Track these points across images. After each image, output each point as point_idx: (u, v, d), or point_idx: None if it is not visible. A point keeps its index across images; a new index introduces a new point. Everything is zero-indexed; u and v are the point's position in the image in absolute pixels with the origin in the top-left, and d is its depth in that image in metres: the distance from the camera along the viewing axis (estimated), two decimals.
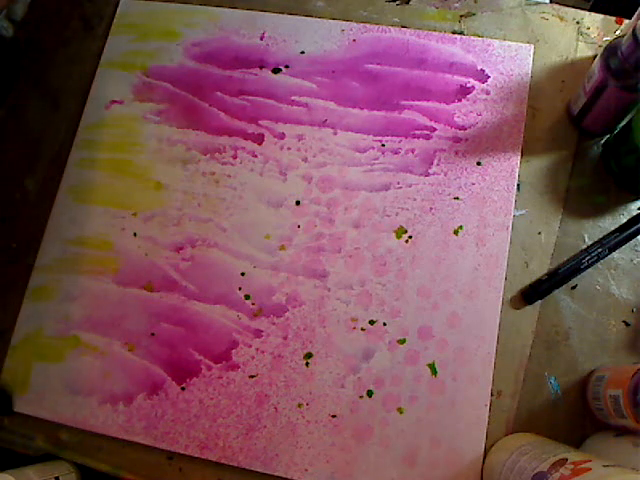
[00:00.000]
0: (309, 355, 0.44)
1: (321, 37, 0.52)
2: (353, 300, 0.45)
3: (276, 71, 0.52)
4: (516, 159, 0.47)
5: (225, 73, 0.52)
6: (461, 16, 0.52)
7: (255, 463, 0.43)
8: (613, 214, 0.45)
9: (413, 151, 0.48)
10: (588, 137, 0.47)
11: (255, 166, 0.49)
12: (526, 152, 0.47)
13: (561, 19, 0.50)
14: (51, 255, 0.49)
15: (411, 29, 0.51)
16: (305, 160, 0.49)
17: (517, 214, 0.46)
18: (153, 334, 0.46)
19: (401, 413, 0.43)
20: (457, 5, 0.52)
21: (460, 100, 0.49)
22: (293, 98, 0.51)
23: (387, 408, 0.43)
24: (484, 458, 0.41)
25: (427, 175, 0.48)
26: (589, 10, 0.51)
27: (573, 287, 0.44)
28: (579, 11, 0.51)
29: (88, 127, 0.52)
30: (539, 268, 0.45)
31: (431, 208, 0.47)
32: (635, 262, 0.44)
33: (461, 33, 0.51)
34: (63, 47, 0.56)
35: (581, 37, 0.50)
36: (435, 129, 0.49)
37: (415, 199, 0.47)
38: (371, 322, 0.45)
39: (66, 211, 0.50)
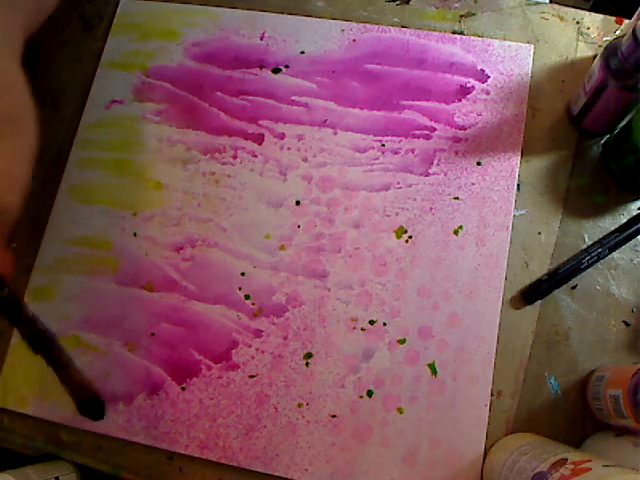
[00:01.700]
0: (309, 355, 0.44)
1: (321, 37, 0.52)
2: (353, 300, 0.45)
3: (276, 71, 0.52)
4: (516, 159, 0.47)
5: (225, 73, 0.52)
6: (461, 16, 0.52)
7: (255, 463, 0.43)
8: (613, 214, 0.45)
9: (413, 151, 0.48)
10: (588, 137, 0.47)
11: (255, 166, 0.49)
12: (526, 152, 0.47)
13: (561, 19, 0.50)
14: (51, 255, 0.49)
15: (411, 29, 0.51)
16: (305, 160, 0.49)
17: (517, 214, 0.46)
18: (153, 334, 0.46)
19: (401, 413, 0.43)
20: (457, 5, 0.52)
21: (460, 100, 0.49)
22: (293, 98, 0.51)
23: (387, 408, 0.43)
24: (484, 458, 0.41)
25: (427, 175, 0.48)
26: (589, 10, 0.51)
27: (573, 287, 0.44)
28: (579, 11, 0.51)
29: (88, 127, 0.52)
30: (539, 268, 0.45)
31: (431, 208, 0.47)
32: (635, 262, 0.44)
33: (461, 33, 0.51)
34: (63, 47, 0.56)
35: (581, 37, 0.50)
36: (435, 129, 0.49)
37: (415, 199, 0.47)
38: (371, 322, 0.45)
39: (66, 211, 0.50)
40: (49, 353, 0.39)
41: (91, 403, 0.43)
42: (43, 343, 0.39)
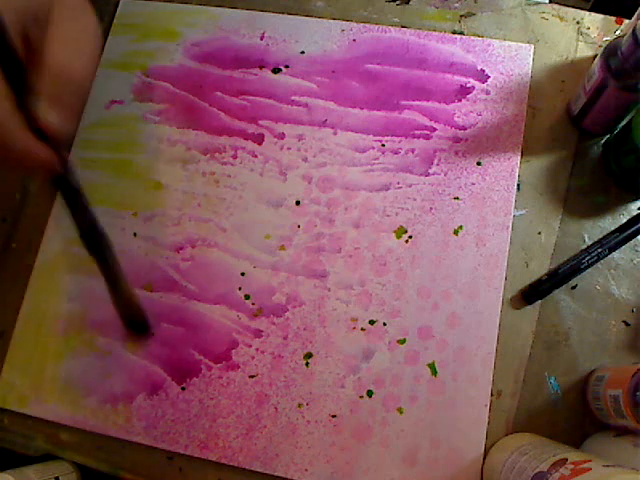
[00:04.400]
0: (309, 355, 0.44)
1: (321, 37, 0.52)
2: (353, 300, 0.45)
3: (276, 71, 0.52)
4: (516, 159, 0.47)
5: (225, 73, 0.52)
6: (461, 16, 0.52)
7: (255, 463, 0.43)
8: (613, 214, 0.45)
9: (413, 151, 0.48)
10: (588, 137, 0.47)
11: (255, 166, 0.49)
12: (526, 152, 0.47)
13: (561, 19, 0.50)
14: (51, 255, 0.49)
15: (411, 29, 0.51)
16: (305, 160, 0.49)
17: (517, 214, 0.46)
18: (153, 334, 0.46)
19: (401, 413, 0.43)
20: (457, 5, 0.52)
21: (460, 100, 0.49)
22: (293, 98, 0.51)
23: (387, 408, 0.43)
24: (484, 458, 0.41)
25: (427, 175, 0.48)
26: (589, 10, 0.51)
27: (573, 287, 0.44)
28: (579, 11, 0.51)
29: (88, 127, 0.52)
30: (539, 268, 0.45)
31: (431, 208, 0.47)
32: (635, 262, 0.44)
33: (461, 33, 0.51)
34: None
35: (581, 37, 0.50)
36: (435, 129, 0.49)
37: (415, 199, 0.47)
38: (371, 322, 0.45)
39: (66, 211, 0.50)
40: (103, 256, 0.39)
41: (138, 324, 0.45)
42: (98, 242, 0.39)
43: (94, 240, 0.39)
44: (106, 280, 0.41)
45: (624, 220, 0.45)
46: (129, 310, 0.44)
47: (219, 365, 0.45)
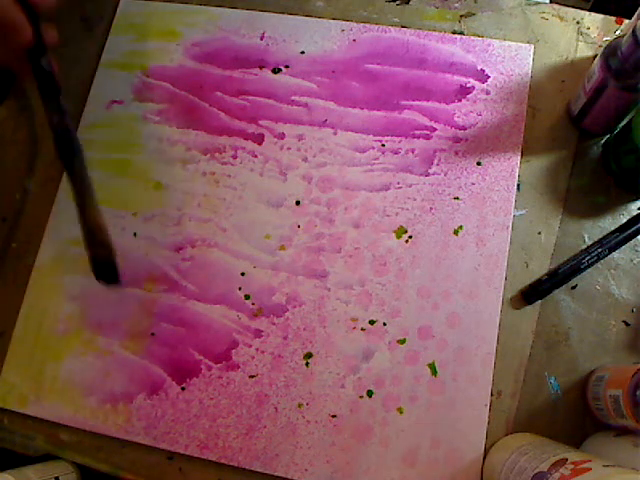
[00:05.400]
0: (309, 355, 0.44)
1: (321, 37, 0.52)
2: (353, 300, 0.45)
3: (276, 71, 0.52)
4: (516, 159, 0.47)
5: (225, 73, 0.52)
6: (461, 16, 0.52)
7: (255, 463, 0.43)
8: (613, 214, 0.45)
9: (413, 151, 0.48)
10: (588, 137, 0.47)
11: (255, 166, 0.49)
12: (526, 152, 0.47)
13: (561, 19, 0.50)
14: (51, 255, 0.49)
15: (411, 29, 0.51)
16: (305, 160, 0.49)
17: (517, 214, 0.46)
18: (153, 334, 0.46)
19: (401, 413, 0.43)
20: (457, 5, 0.52)
21: (460, 100, 0.49)
22: (293, 98, 0.51)
23: (387, 408, 0.43)
24: (484, 458, 0.41)
25: (427, 175, 0.48)
26: (589, 10, 0.51)
27: (573, 287, 0.44)
28: (579, 11, 0.51)
29: (88, 127, 0.52)
30: (539, 268, 0.45)
31: (431, 208, 0.47)
32: (635, 262, 0.44)
33: (461, 33, 0.51)
34: (63, 47, 0.55)
35: (581, 37, 0.50)
36: (435, 129, 0.49)
37: (415, 199, 0.47)
38: (371, 322, 0.45)
39: (66, 211, 0.50)
40: (71, 161, 0.38)
41: (106, 265, 0.41)
42: (68, 145, 0.37)
43: (65, 143, 0.37)
44: (75, 194, 0.38)
45: (624, 220, 0.45)
46: (95, 241, 0.40)
47: (219, 365, 0.45)
